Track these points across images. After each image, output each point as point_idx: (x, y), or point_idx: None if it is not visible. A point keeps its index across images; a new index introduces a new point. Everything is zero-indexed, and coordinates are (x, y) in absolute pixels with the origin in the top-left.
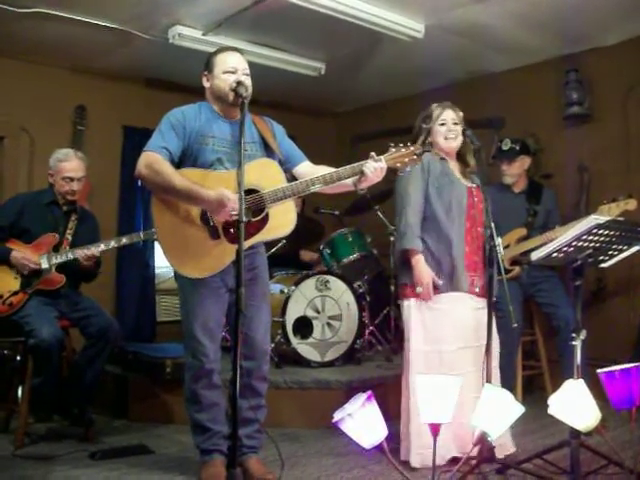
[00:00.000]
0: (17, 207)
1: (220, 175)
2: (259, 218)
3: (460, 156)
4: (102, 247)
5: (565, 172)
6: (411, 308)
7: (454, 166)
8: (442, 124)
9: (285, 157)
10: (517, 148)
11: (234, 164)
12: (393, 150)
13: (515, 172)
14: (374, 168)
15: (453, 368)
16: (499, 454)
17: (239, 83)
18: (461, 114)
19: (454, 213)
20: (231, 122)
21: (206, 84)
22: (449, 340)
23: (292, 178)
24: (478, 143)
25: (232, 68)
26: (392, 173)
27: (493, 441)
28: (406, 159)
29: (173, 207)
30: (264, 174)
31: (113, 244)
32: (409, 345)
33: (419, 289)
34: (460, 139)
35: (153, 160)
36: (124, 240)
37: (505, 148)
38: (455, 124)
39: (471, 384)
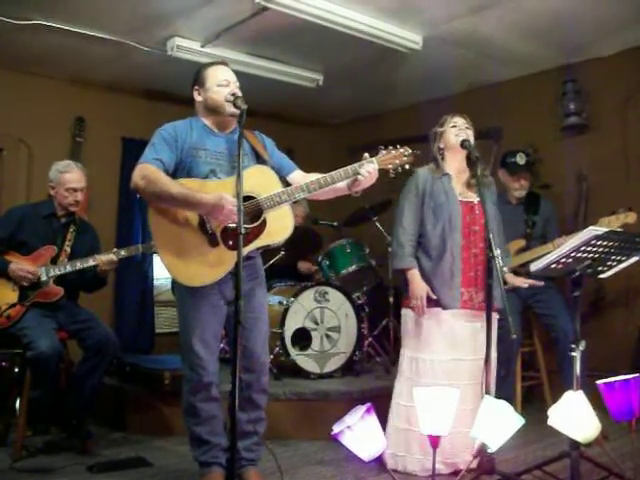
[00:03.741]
0: (15, 219)
1: (217, 183)
2: (257, 224)
3: (468, 169)
4: (114, 255)
5: (564, 182)
6: (407, 317)
7: (457, 181)
8: (454, 126)
9: (277, 168)
10: (530, 160)
11: (227, 174)
12: (384, 152)
13: (529, 185)
14: (367, 172)
15: (447, 378)
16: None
17: (235, 95)
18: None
19: (447, 232)
20: (223, 135)
21: (198, 98)
22: (442, 350)
23: (286, 186)
24: (477, 154)
25: (225, 81)
26: (384, 174)
27: (493, 452)
28: (397, 160)
29: (170, 216)
30: (260, 180)
31: (112, 256)
32: (402, 351)
33: (413, 302)
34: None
35: (148, 171)
36: (123, 252)
37: (522, 162)
38: (467, 128)
39: (466, 396)
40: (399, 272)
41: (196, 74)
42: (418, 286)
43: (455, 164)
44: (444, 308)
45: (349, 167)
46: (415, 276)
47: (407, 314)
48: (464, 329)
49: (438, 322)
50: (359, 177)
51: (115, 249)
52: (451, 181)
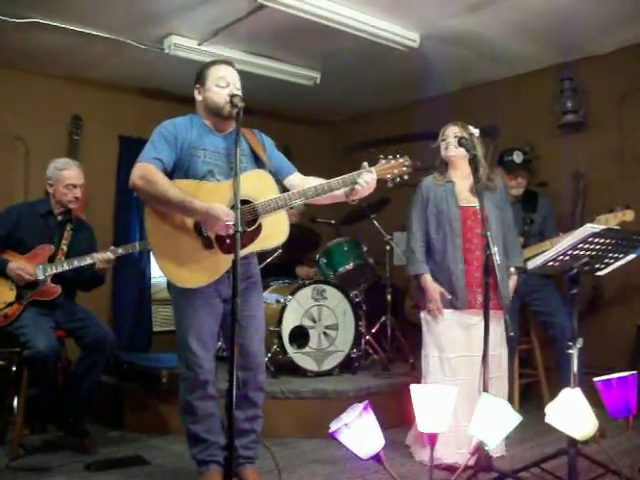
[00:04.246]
0: (12, 218)
1: (214, 186)
2: (253, 228)
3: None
4: (111, 253)
5: (560, 180)
6: (423, 319)
7: (462, 187)
8: (443, 139)
9: (275, 169)
10: (527, 158)
11: (225, 176)
12: (383, 162)
13: (526, 183)
14: (366, 182)
15: (456, 375)
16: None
17: (233, 95)
18: (474, 130)
19: (448, 237)
20: (222, 135)
21: (198, 97)
22: (450, 348)
23: (283, 189)
24: (473, 152)
25: (225, 82)
26: (382, 183)
27: (490, 450)
28: (395, 170)
29: (167, 218)
30: (257, 185)
31: (109, 254)
32: (422, 351)
33: (429, 305)
34: (461, 150)
35: (147, 171)
36: (120, 250)
37: (519, 161)
38: (456, 137)
39: (472, 392)
40: (414, 277)
41: (198, 72)
42: (431, 289)
43: (458, 172)
44: (452, 308)
45: (347, 176)
46: (428, 280)
47: (424, 317)
48: (470, 327)
49: (446, 321)
50: (357, 186)
51: (112, 247)
52: (454, 188)
